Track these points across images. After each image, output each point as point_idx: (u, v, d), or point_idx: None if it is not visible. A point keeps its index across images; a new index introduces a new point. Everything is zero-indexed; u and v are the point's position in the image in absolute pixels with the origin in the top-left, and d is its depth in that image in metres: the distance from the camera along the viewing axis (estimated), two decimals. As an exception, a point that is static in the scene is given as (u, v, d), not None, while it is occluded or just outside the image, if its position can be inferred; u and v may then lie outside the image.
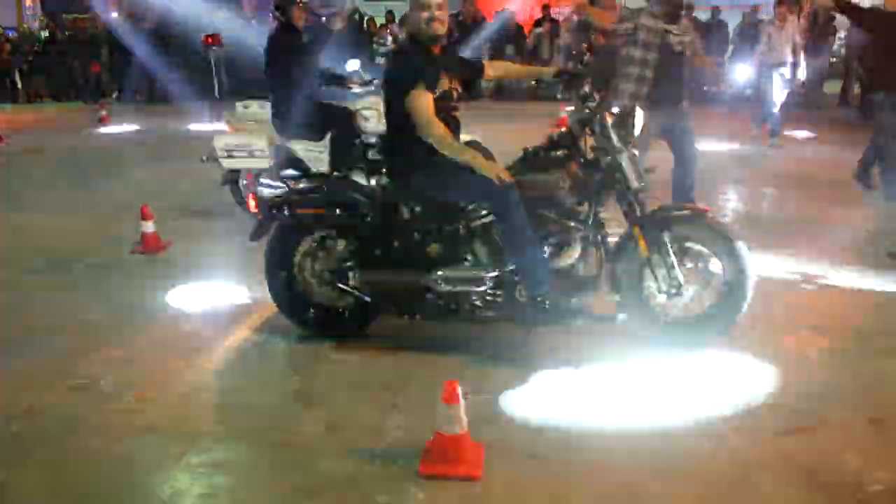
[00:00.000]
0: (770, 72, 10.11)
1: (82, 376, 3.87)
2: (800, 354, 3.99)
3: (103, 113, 13.65)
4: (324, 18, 9.48)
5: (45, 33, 18.14)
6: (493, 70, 4.53)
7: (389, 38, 8.05)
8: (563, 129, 4.00)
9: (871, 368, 3.83)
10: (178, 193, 7.76)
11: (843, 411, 3.41)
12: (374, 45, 14.93)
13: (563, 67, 4.31)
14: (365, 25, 16.50)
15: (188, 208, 7.16)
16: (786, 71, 10.05)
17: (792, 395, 3.55)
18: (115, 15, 18.37)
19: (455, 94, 4.02)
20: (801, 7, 13.16)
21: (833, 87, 14.56)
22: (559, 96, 4.33)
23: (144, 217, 5.90)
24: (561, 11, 16.46)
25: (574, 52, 7.82)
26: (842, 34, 15.07)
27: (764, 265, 4.94)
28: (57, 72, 17.68)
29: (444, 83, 3.90)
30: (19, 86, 18.01)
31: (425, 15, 3.83)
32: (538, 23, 15.95)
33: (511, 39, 15.79)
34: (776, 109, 10.14)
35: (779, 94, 10.14)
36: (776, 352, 3.98)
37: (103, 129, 13.01)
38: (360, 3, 18.87)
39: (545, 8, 16.13)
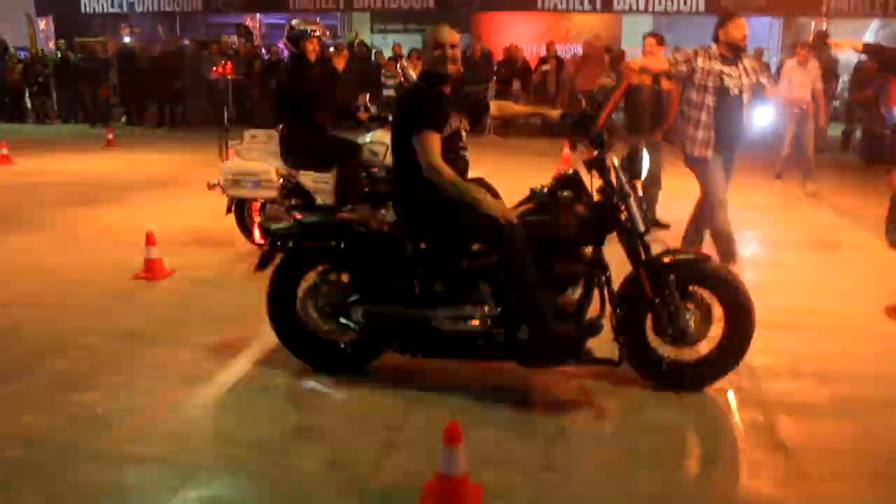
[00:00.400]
0: (792, 113, 9.77)
1: (81, 403, 3.85)
2: (802, 402, 3.97)
3: (110, 136, 13.75)
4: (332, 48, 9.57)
5: (57, 55, 18.32)
6: (499, 109, 4.58)
7: (400, 71, 8.09)
8: (570, 170, 4.03)
9: (875, 419, 3.81)
10: (182, 220, 7.78)
11: (846, 464, 3.39)
12: (382, 79, 15.08)
13: (568, 110, 4.34)
14: (373, 58, 16.68)
15: (192, 235, 7.17)
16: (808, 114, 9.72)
17: (794, 443, 3.52)
18: (126, 40, 18.59)
19: (464, 133, 4.05)
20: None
21: (833, 130, 14.60)
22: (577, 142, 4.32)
23: (149, 242, 5.91)
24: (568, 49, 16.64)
25: (581, 93, 7.89)
26: (844, 78, 15.20)
27: (767, 310, 4.94)
28: (66, 94, 17.84)
29: (454, 122, 3.94)
30: (29, 107, 18.17)
31: (439, 54, 3.88)
32: (543, 60, 16.10)
33: (517, 76, 15.91)
34: (810, 152, 9.73)
35: (808, 137, 9.76)
36: (778, 397, 3.96)
37: (110, 153, 13.08)
38: (369, 36, 19.11)
39: (550, 45, 16.29)
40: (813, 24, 17.12)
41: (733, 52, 5.50)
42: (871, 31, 18.37)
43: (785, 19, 17.95)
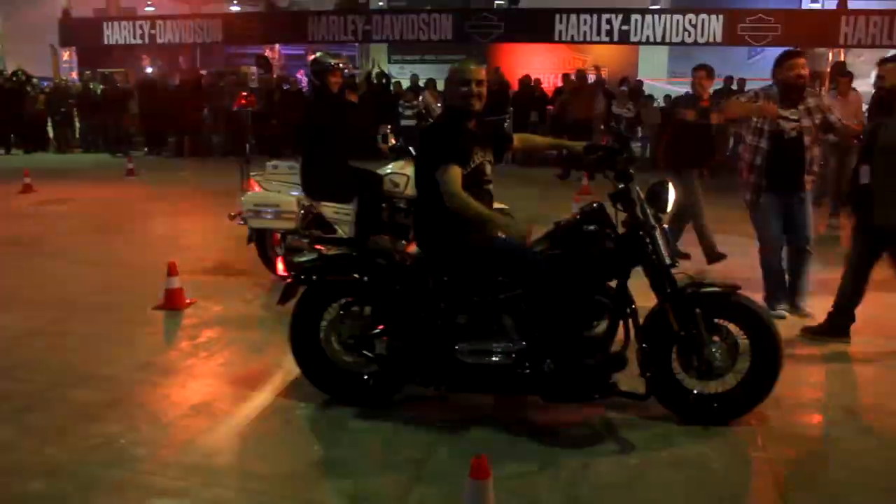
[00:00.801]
0: (833, 150, 9.22)
1: (102, 434, 3.84)
2: (829, 435, 3.91)
3: (131, 166, 13.89)
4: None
5: (80, 85, 18.62)
6: (522, 142, 4.58)
7: (420, 103, 8.10)
8: (595, 204, 4.02)
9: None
10: (202, 250, 7.82)
11: (877, 498, 3.32)
12: (400, 109, 15.19)
13: (592, 143, 4.33)
14: (391, 88, 16.81)
15: (213, 265, 7.20)
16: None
17: (822, 477, 3.46)
18: (148, 70, 18.88)
19: (488, 166, 4.06)
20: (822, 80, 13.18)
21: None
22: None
23: (171, 273, 5.93)
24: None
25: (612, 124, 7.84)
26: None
27: (794, 342, 4.90)
28: (88, 124, 18.09)
29: (478, 157, 3.95)
30: (51, 136, 18.43)
31: (464, 90, 3.89)
32: (559, 91, 16.19)
33: (534, 107, 15.99)
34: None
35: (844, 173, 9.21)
36: (804, 432, 3.90)
37: (131, 182, 13.21)
38: (386, 67, 19.30)
39: (566, 77, 16.38)
40: (830, 55, 17.12)
41: (793, 93, 5.40)
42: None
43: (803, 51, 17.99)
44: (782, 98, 5.40)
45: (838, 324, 5.17)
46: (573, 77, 15.35)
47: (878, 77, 4.88)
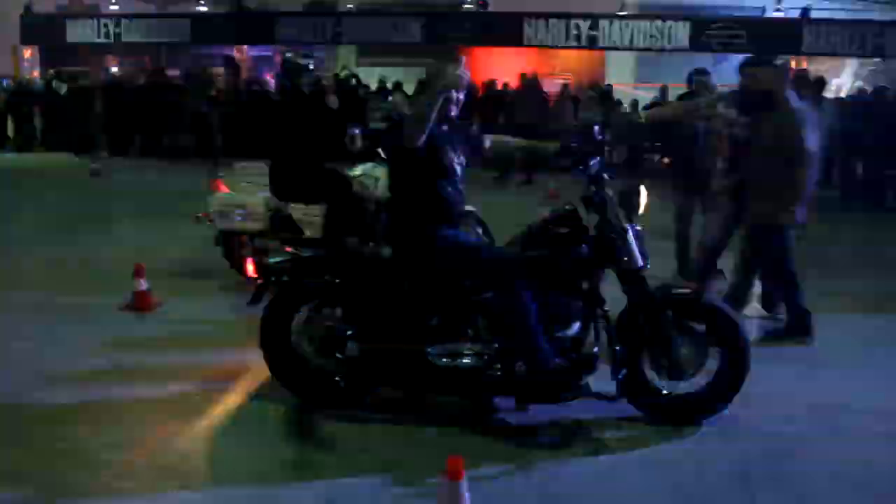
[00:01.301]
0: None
1: (70, 438, 3.78)
2: (797, 433, 3.98)
3: (95, 166, 13.66)
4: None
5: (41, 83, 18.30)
6: (493, 144, 4.57)
7: (390, 103, 8.09)
8: (567, 206, 4.04)
9: (873, 448, 3.83)
10: (169, 251, 7.71)
11: (846, 493, 3.38)
12: (369, 111, 15.12)
13: (567, 145, 4.35)
14: (361, 91, 16.74)
15: (180, 267, 7.10)
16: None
17: (792, 474, 3.52)
18: (113, 69, 18.61)
19: (459, 168, 4.05)
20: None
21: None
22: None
23: (138, 275, 5.85)
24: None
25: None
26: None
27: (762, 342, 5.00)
28: (50, 123, 17.77)
29: (450, 158, 3.95)
30: (10, 135, 18.06)
31: (449, 94, 3.85)
32: (505, 94, 16.26)
33: (502, 109, 16.04)
34: None
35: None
36: (773, 431, 3.97)
37: (95, 183, 13.00)
38: (354, 69, 19.23)
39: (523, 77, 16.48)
40: (793, 63, 17.42)
41: (749, 99, 5.41)
42: (849, 72, 18.77)
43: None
44: (740, 104, 5.48)
45: (793, 324, 5.34)
46: (520, 81, 15.59)
47: (749, 77, 5.06)
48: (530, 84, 15.39)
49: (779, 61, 5.33)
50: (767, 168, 5.00)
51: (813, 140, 5.00)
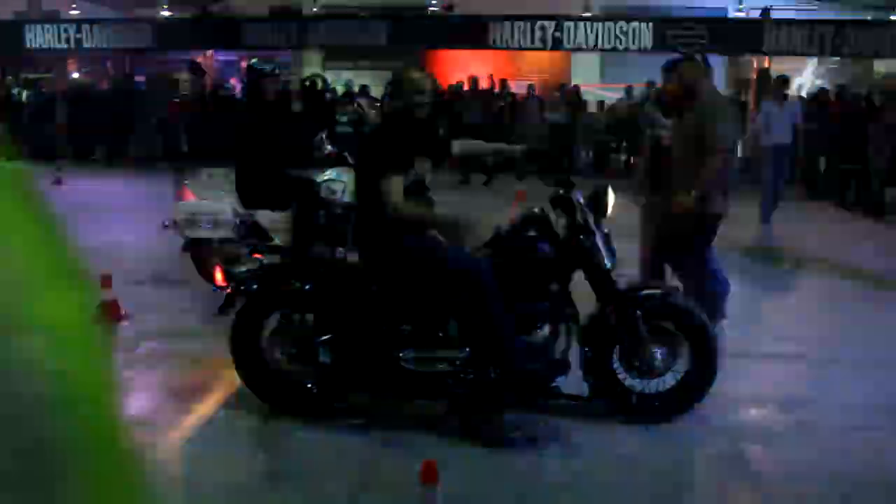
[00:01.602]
0: (770, 155, 9.60)
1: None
2: (766, 429, 4.03)
3: (59, 174, 13.43)
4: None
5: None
6: (461, 147, 4.59)
7: (357, 107, 8.06)
8: (535, 209, 4.06)
9: (838, 443, 3.89)
10: (136, 261, 7.60)
11: (812, 488, 3.44)
12: (336, 116, 15.06)
13: (533, 147, 4.38)
14: (328, 95, 16.67)
15: (148, 276, 7.02)
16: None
17: (761, 471, 3.57)
18: (75, 75, 18.32)
19: (427, 176, 4.06)
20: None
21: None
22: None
23: (104, 285, 5.76)
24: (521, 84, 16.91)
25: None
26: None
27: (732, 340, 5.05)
28: (10, 130, 17.44)
29: (418, 167, 3.95)
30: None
31: (418, 99, 3.88)
32: (496, 95, 16.31)
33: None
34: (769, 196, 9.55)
35: (780, 179, 9.63)
36: (743, 427, 4.02)
37: (59, 191, 12.77)
38: (321, 73, 19.14)
39: (503, 83, 16.53)
40: (755, 62, 17.67)
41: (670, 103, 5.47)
42: (809, 70, 19.08)
43: (728, 57, 18.49)
44: (661, 105, 5.54)
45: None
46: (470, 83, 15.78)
47: (673, 74, 5.11)
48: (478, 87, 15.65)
49: (698, 56, 5.37)
50: (687, 159, 5.03)
51: (733, 131, 5.00)
